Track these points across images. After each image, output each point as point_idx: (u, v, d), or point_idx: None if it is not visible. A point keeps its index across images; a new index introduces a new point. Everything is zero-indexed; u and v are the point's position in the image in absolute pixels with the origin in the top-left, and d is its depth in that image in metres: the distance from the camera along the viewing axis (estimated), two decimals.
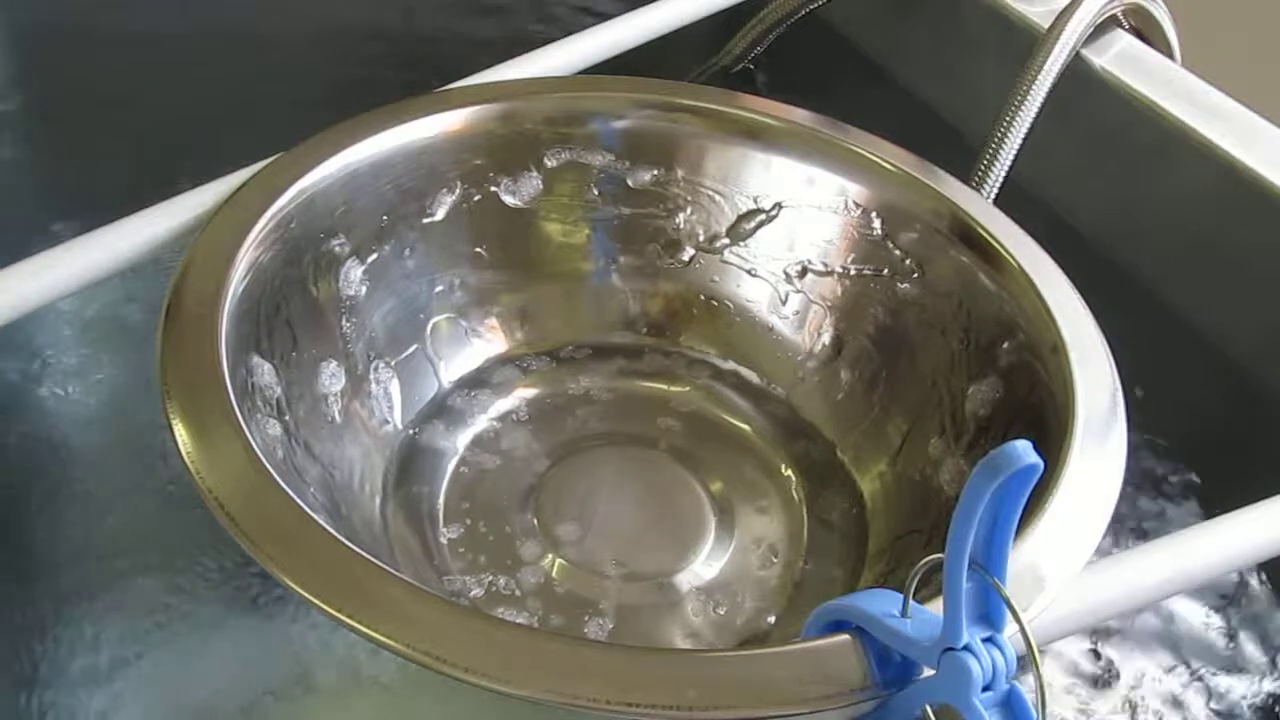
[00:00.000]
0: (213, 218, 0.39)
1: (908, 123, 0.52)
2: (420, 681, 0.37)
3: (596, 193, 0.46)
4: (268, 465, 0.31)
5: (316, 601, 0.28)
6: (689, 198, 0.46)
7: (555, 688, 0.27)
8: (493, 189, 0.45)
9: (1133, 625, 0.41)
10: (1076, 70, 0.51)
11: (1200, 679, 0.40)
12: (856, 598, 0.29)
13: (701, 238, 0.46)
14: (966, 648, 0.26)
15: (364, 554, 0.30)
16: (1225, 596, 0.42)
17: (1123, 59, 0.53)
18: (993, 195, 0.47)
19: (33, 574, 0.39)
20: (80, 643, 0.38)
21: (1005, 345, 0.40)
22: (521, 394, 0.45)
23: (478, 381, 0.45)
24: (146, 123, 0.58)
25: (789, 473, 0.43)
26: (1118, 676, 0.40)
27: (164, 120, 0.58)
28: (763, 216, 0.46)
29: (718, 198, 0.46)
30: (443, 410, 0.43)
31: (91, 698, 0.36)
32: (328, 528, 0.30)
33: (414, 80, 0.47)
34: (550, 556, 0.39)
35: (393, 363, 0.43)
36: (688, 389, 0.46)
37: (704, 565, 0.40)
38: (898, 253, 0.43)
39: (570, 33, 0.51)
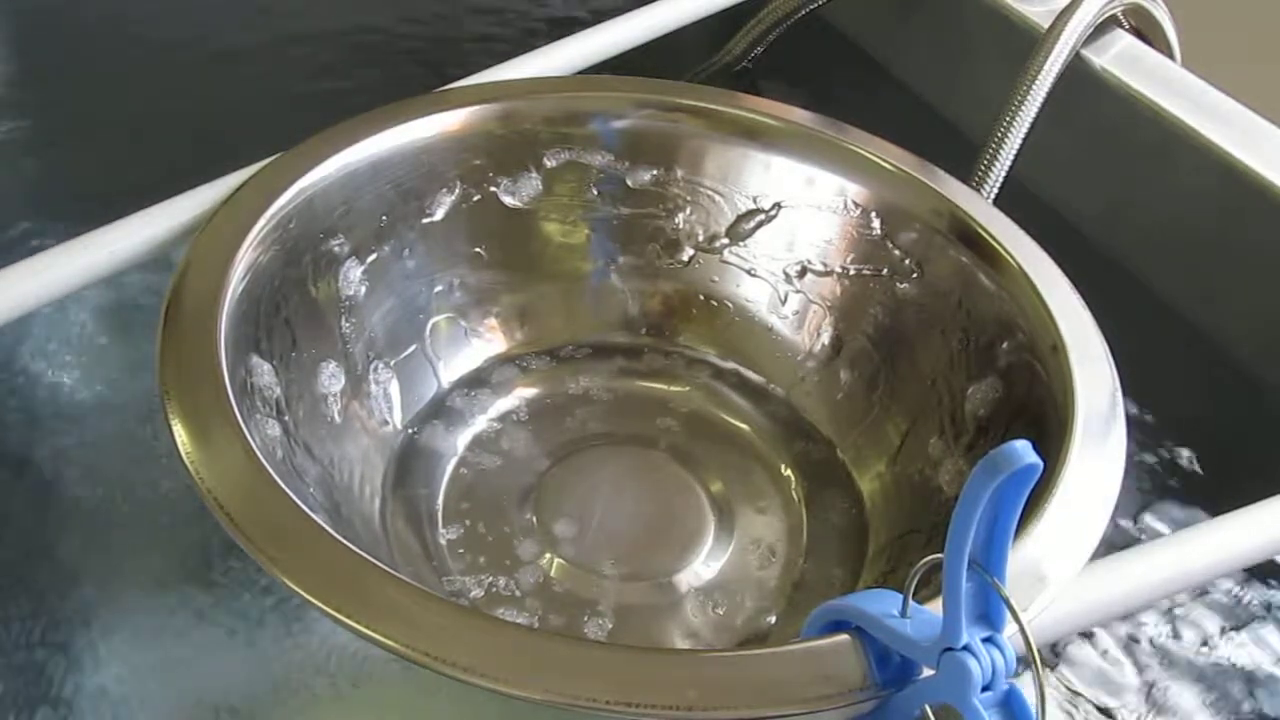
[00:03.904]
0: (212, 218, 0.39)
1: (908, 123, 0.52)
2: (420, 681, 0.37)
3: (596, 193, 0.46)
4: (267, 465, 0.31)
5: (316, 602, 0.28)
6: (688, 198, 0.46)
7: (555, 688, 0.27)
8: (492, 189, 0.45)
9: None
10: (1076, 70, 0.51)
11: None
12: (856, 598, 0.29)
13: (701, 238, 0.46)
14: (966, 648, 0.26)
15: (364, 554, 0.30)
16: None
17: (1123, 59, 0.53)
18: (993, 195, 0.47)
19: (32, 573, 0.39)
20: (80, 642, 0.38)
21: (1005, 345, 0.40)
22: (521, 394, 0.45)
23: (477, 381, 0.45)
24: (146, 123, 0.58)
25: (788, 473, 0.43)
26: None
27: (163, 120, 0.58)
28: (762, 216, 0.46)
29: (717, 198, 0.46)
30: (442, 410, 0.43)
31: (91, 697, 0.36)
32: (327, 528, 0.30)
33: (413, 80, 0.47)
34: (550, 557, 0.39)
35: (392, 363, 0.43)
36: (687, 389, 0.46)
37: (703, 565, 0.40)
38: (897, 253, 0.43)
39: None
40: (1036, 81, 0.49)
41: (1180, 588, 0.36)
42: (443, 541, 0.40)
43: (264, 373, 0.37)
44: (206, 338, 0.35)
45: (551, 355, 0.46)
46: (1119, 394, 0.36)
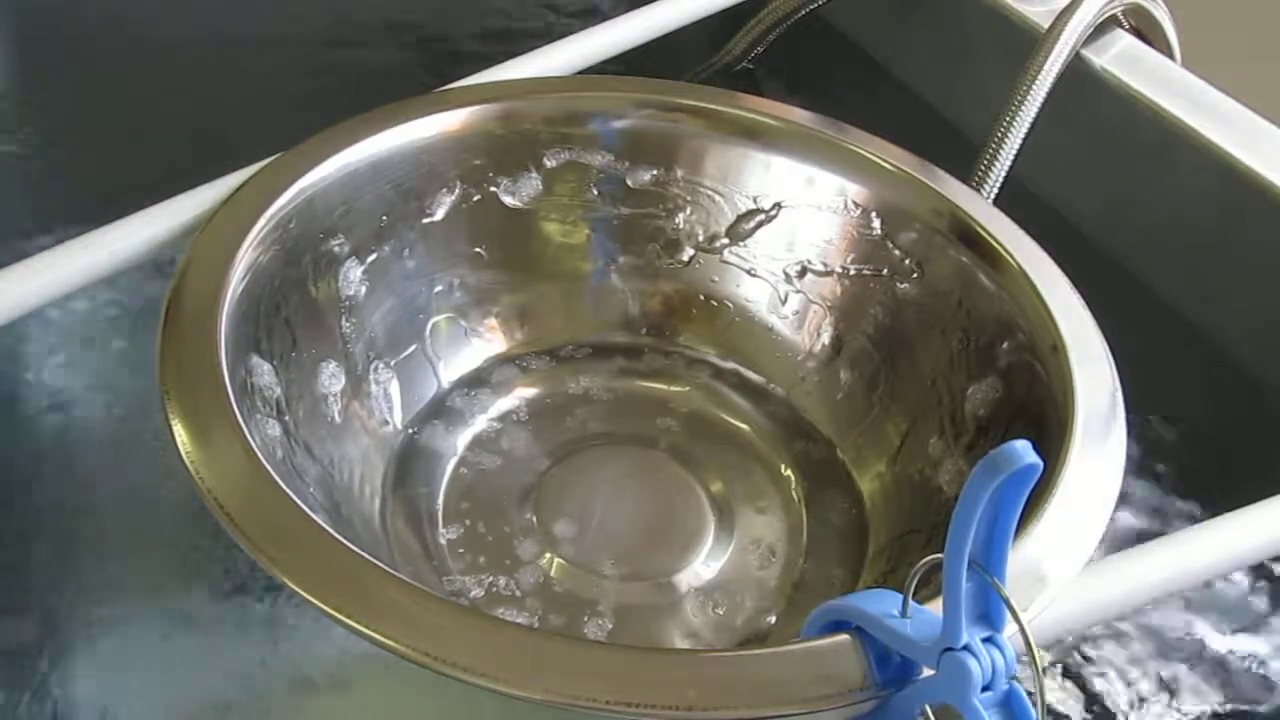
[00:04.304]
0: (212, 218, 0.39)
1: (908, 123, 0.52)
2: (420, 681, 0.37)
3: (596, 193, 0.46)
4: (267, 465, 0.31)
5: (316, 601, 0.28)
6: (688, 198, 0.46)
7: (555, 688, 0.27)
8: (492, 189, 0.45)
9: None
10: (1076, 70, 0.51)
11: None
12: (856, 598, 0.29)
13: (701, 238, 0.46)
14: (966, 648, 0.26)
15: (364, 554, 0.30)
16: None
17: (1123, 59, 0.53)
18: (993, 195, 0.47)
19: (31, 573, 0.39)
20: (79, 642, 0.38)
21: (1005, 345, 0.40)
22: (521, 394, 0.45)
23: (477, 381, 0.45)
24: (146, 123, 0.58)
25: (788, 473, 0.43)
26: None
27: (164, 120, 0.58)
28: (762, 216, 0.46)
29: (717, 198, 0.46)
30: (442, 410, 0.43)
31: (90, 696, 0.36)
32: (327, 528, 0.30)
33: (414, 80, 0.47)
34: (549, 556, 0.39)
35: (392, 363, 0.43)
36: (687, 389, 0.46)
37: (703, 565, 0.40)
38: (897, 253, 0.43)
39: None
40: (1036, 81, 0.49)
41: (1180, 588, 0.36)
42: (443, 541, 0.40)
43: (264, 373, 0.37)
44: (206, 338, 0.35)
45: (551, 355, 0.46)
46: (1119, 394, 0.36)
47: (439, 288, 0.45)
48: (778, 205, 0.45)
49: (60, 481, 0.43)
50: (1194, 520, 0.45)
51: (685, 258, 0.47)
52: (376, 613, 0.28)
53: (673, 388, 0.46)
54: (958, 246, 0.42)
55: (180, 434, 0.32)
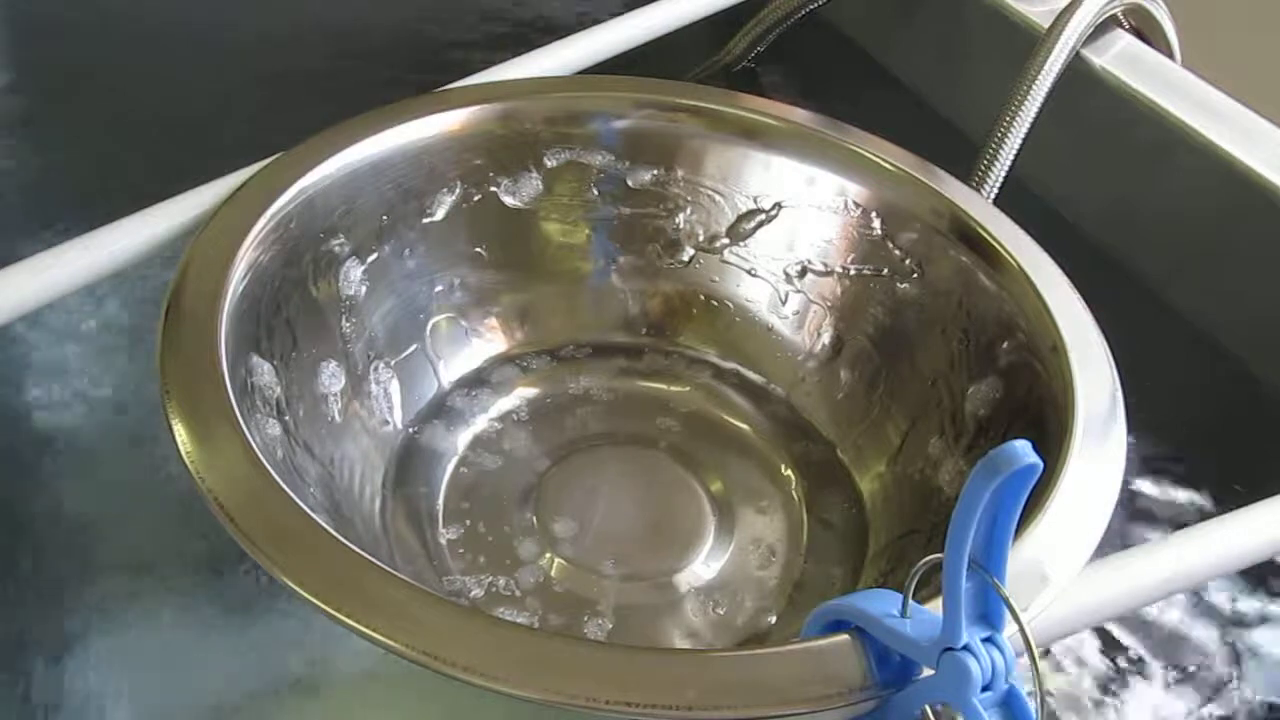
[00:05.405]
0: (213, 218, 0.39)
1: (908, 123, 0.52)
2: (420, 681, 0.37)
3: (596, 193, 0.46)
4: (268, 465, 0.31)
5: (316, 601, 0.28)
6: (689, 198, 0.46)
7: (555, 688, 0.27)
8: (493, 189, 0.45)
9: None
10: (1076, 70, 0.51)
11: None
12: (856, 598, 0.29)
13: (701, 238, 0.46)
14: (966, 648, 0.26)
15: (364, 554, 0.30)
16: None
17: (1123, 59, 0.53)
18: (993, 195, 0.47)
19: (30, 573, 0.39)
20: (79, 642, 0.38)
21: (1005, 345, 0.40)
22: (521, 393, 0.45)
23: (477, 381, 0.45)
24: (146, 122, 0.58)
25: (789, 473, 0.43)
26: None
27: (164, 120, 0.58)
28: (762, 216, 0.46)
29: (718, 198, 0.46)
30: (442, 410, 0.44)
31: (89, 697, 0.36)
32: (328, 528, 0.30)
33: (414, 80, 0.47)
34: (550, 556, 0.39)
35: (392, 362, 0.43)
36: (688, 389, 0.46)
37: (703, 565, 0.40)
38: (897, 252, 0.43)
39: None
40: (1036, 81, 0.49)
41: (1180, 588, 0.36)
42: (443, 541, 0.40)
43: (264, 372, 0.37)
44: (206, 338, 0.35)
45: (552, 355, 0.46)
46: (1119, 394, 0.36)
47: (439, 287, 0.45)
48: (778, 205, 0.45)
49: (60, 482, 0.43)
50: (1194, 520, 0.45)
51: (685, 258, 0.47)
52: (377, 613, 0.28)
53: (673, 388, 0.46)
54: (958, 246, 0.42)
55: (180, 434, 0.32)
